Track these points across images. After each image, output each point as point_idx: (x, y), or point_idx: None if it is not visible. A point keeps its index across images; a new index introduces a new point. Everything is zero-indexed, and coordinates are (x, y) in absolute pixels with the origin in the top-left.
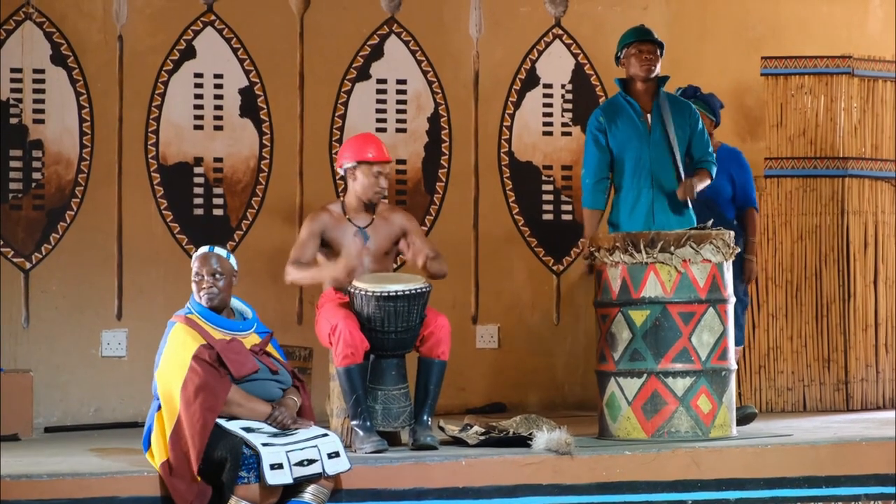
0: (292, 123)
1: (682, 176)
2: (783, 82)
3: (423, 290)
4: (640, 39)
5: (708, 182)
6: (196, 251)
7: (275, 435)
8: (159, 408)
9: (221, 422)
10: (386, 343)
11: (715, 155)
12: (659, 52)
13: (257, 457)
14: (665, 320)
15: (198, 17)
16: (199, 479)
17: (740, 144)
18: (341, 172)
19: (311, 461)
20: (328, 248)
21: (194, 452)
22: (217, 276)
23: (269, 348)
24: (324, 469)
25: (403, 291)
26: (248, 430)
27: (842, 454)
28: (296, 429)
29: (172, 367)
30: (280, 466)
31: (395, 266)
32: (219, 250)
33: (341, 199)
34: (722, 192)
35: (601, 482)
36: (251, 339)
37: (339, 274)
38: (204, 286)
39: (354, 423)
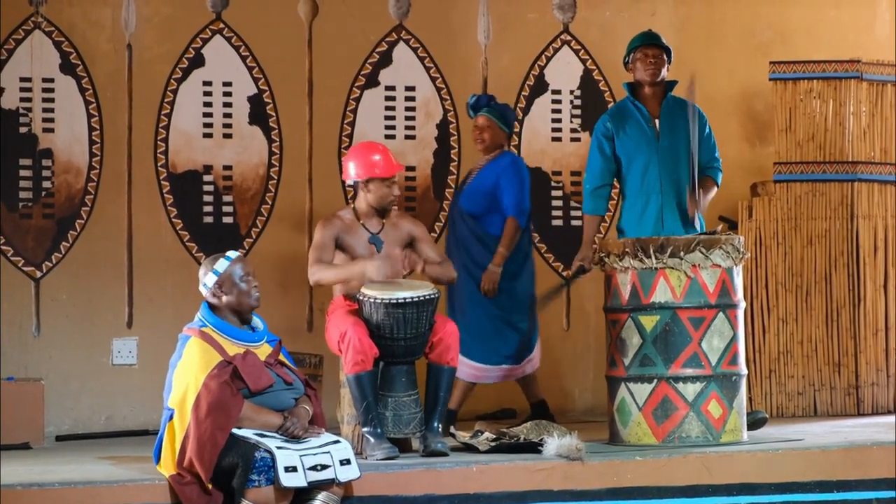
0: (301, 131)
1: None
2: (792, 87)
3: (432, 296)
4: (645, 44)
5: (714, 191)
6: (221, 258)
7: (287, 441)
8: (170, 419)
9: (233, 429)
10: (395, 350)
11: (501, 164)
12: (665, 57)
13: (272, 459)
14: (675, 325)
15: (206, 25)
16: (209, 486)
17: (749, 149)
18: (350, 183)
19: (324, 466)
20: (341, 252)
21: (203, 470)
22: (254, 276)
23: (280, 357)
24: (336, 475)
25: (412, 298)
26: (261, 435)
27: (853, 458)
28: (306, 438)
29: (189, 384)
30: (294, 469)
31: (404, 273)
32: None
33: (351, 205)
34: (484, 205)
35: (612, 488)
36: (263, 350)
37: (369, 273)
38: (254, 285)
39: (365, 429)
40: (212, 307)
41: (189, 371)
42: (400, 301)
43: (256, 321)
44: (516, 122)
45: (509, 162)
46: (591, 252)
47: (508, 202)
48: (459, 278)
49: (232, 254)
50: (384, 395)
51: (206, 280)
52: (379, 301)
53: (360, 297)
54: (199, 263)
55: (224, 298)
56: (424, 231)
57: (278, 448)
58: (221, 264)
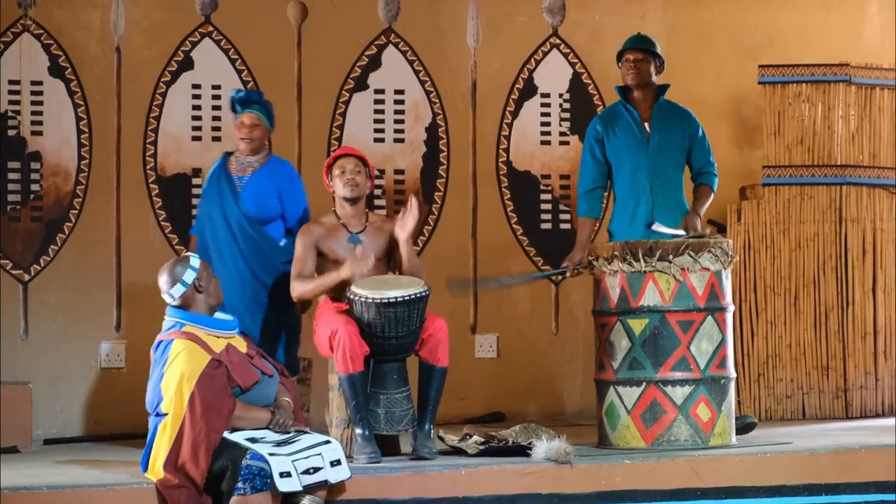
0: (290, 134)
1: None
2: (780, 91)
3: (423, 294)
4: (627, 48)
5: (711, 198)
6: (189, 257)
7: (278, 444)
8: (157, 426)
9: (224, 433)
10: (387, 348)
11: (281, 169)
12: (651, 60)
13: (260, 468)
14: (664, 329)
15: (195, 28)
16: (201, 489)
17: (738, 153)
18: (332, 190)
19: (316, 469)
20: (323, 257)
21: (197, 471)
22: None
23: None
24: (328, 477)
25: (403, 297)
26: (251, 440)
27: (841, 462)
28: (295, 430)
29: (182, 385)
30: (289, 475)
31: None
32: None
33: (333, 209)
34: (270, 210)
35: (601, 491)
36: (239, 342)
37: (344, 275)
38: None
39: (356, 430)
40: (181, 308)
41: (181, 372)
42: (391, 300)
43: (218, 314)
44: (505, 126)
45: (290, 168)
46: (584, 255)
47: (297, 212)
48: (244, 287)
49: (197, 259)
50: (376, 392)
51: (185, 277)
52: (370, 300)
53: (351, 296)
54: None
55: (202, 292)
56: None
57: (270, 455)
58: (195, 261)
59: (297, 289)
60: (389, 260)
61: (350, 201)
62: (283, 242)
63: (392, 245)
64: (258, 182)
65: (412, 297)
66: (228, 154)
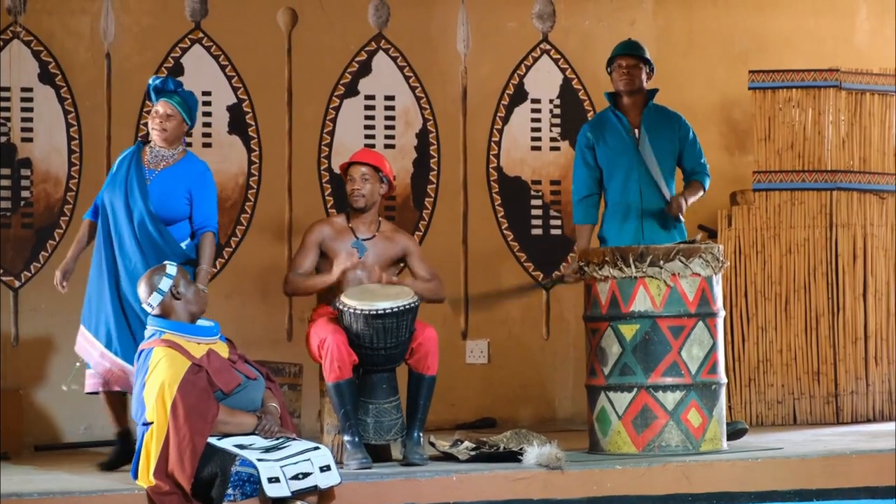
0: (281, 140)
1: (667, 195)
2: (771, 96)
3: (412, 304)
4: (619, 54)
5: (701, 194)
6: (166, 266)
7: (267, 450)
8: (144, 435)
9: (213, 440)
10: (376, 359)
11: (194, 170)
12: (643, 66)
13: (249, 474)
14: (655, 334)
15: (186, 34)
16: (189, 494)
17: (728, 158)
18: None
19: (305, 474)
20: (324, 257)
21: (184, 477)
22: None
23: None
24: (317, 482)
25: (392, 308)
26: (240, 447)
27: (832, 467)
28: (281, 436)
29: (164, 393)
30: (277, 480)
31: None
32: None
33: (348, 209)
34: (177, 209)
35: (592, 497)
36: (221, 348)
37: (331, 281)
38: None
39: (345, 437)
40: (161, 317)
41: (161, 380)
42: (379, 312)
43: (201, 321)
44: (495, 131)
45: (203, 170)
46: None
47: (209, 217)
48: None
49: (170, 262)
50: (365, 401)
51: (162, 285)
52: (358, 312)
53: (340, 307)
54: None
55: (181, 299)
56: (418, 247)
57: (259, 460)
58: (171, 269)
59: (291, 283)
60: (398, 272)
61: (356, 210)
62: (185, 244)
63: (403, 255)
64: (168, 179)
65: (400, 308)
66: (144, 143)
